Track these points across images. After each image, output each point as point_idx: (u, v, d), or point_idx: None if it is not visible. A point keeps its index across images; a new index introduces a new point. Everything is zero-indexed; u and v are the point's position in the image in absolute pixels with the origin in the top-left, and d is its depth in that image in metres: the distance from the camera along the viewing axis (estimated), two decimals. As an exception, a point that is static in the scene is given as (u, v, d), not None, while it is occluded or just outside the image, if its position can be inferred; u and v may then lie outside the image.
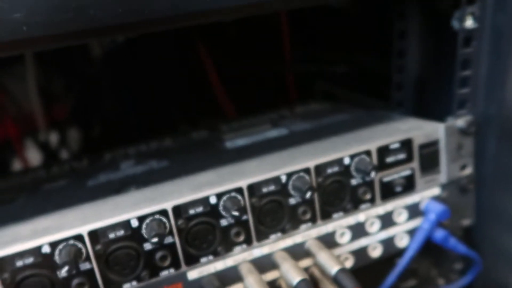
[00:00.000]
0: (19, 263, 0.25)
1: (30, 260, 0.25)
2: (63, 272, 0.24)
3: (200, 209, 0.28)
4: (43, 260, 0.25)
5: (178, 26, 0.25)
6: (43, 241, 0.25)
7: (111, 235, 0.27)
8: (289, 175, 0.30)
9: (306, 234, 0.32)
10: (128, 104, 0.78)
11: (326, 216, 0.32)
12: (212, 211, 0.29)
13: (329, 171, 0.31)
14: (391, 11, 0.41)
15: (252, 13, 0.26)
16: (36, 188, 0.36)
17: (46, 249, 0.25)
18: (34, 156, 0.73)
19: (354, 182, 0.32)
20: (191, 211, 0.28)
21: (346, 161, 0.32)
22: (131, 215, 0.27)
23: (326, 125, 0.41)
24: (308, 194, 0.30)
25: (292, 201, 0.31)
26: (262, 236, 0.30)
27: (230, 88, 0.70)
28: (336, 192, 0.32)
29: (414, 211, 0.35)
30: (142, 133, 0.82)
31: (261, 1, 0.25)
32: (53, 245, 0.25)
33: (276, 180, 0.30)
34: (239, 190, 0.29)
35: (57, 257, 0.26)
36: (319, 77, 0.68)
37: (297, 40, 0.66)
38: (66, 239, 0.26)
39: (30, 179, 0.40)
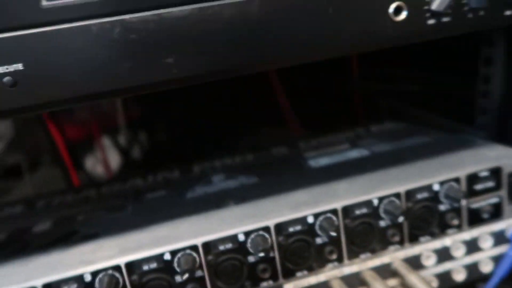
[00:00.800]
0: (145, 267, 0.29)
1: (154, 265, 0.29)
2: (183, 278, 0.28)
3: (298, 227, 0.31)
4: (164, 266, 0.29)
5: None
6: (165, 249, 0.29)
7: (221, 247, 0.30)
8: (381, 199, 0.32)
9: (394, 256, 0.33)
10: (195, 112, 0.82)
11: (414, 239, 0.33)
12: (309, 230, 0.31)
13: (419, 196, 0.33)
14: (478, 37, 0.41)
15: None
16: (139, 197, 0.41)
17: (167, 257, 0.29)
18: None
19: (442, 207, 0.33)
20: (291, 229, 0.31)
21: (436, 187, 0.33)
22: (238, 230, 0.30)
23: (407, 147, 0.42)
24: (400, 219, 0.31)
25: (382, 223, 0.32)
26: (352, 255, 0.32)
27: (295, 101, 0.73)
28: (424, 217, 0.33)
29: (500, 238, 0.35)
30: (208, 141, 0.87)
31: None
32: (173, 253, 0.29)
33: (368, 203, 0.32)
34: (334, 212, 0.31)
35: (175, 264, 0.29)
36: (385, 94, 0.68)
37: (365, 57, 0.67)
38: (183, 249, 0.29)
39: (129, 187, 0.44)
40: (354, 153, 0.42)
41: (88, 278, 0.28)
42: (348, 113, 0.70)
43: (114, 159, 0.81)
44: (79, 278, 0.28)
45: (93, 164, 1.03)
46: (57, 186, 0.76)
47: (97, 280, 0.28)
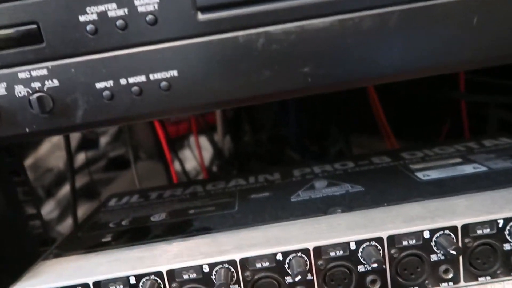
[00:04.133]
0: (258, 265, 0.30)
1: (266, 264, 0.30)
2: (295, 279, 0.29)
3: (412, 241, 0.30)
4: (276, 266, 0.30)
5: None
6: (277, 250, 0.30)
7: (332, 254, 0.30)
8: (506, 220, 0.30)
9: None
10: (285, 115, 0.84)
11: (542, 267, 0.31)
12: (424, 246, 0.30)
13: (551, 221, 0.30)
14: None
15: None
16: (245, 196, 0.42)
17: (279, 257, 0.30)
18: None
19: None
20: (405, 243, 0.30)
21: None
22: (350, 238, 0.30)
23: (531, 166, 0.38)
24: (530, 243, 0.29)
25: (507, 246, 0.30)
26: (470, 277, 0.31)
27: (392, 112, 0.70)
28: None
29: None
30: (301, 145, 0.87)
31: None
32: (285, 254, 0.30)
33: (492, 223, 0.30)
34: (453, 229, 0.30)
35: (287, 265, 0.30)
36: (494, 106, 0.63)
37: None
38: (295, 251, 0.30)
39: (234, 186, 0.47)
40: (469, 168, 0.40)
41: (206, 269, 0.30)
42: (454, 126, 0.66)
43: (207, 157, 0.85)
44: (198, 268, 0.30)
45: (185, 161, 1.09)
46: (158, 178, 0.82)
47: (214, 271, 0.30)
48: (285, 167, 0.50)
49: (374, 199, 0.36)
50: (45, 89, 0.23)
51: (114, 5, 0.22)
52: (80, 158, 1.07)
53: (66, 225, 0.89)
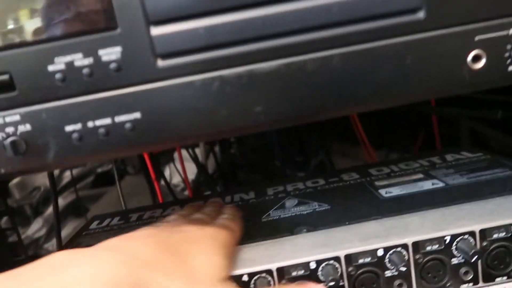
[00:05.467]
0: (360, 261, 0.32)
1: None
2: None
3: (368, 259, 0.32)
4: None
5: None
6: (242, 272, 0.32)
7: (294, 273, 0.32)
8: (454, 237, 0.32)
9: (467, 294, 0.33)
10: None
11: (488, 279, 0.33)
12: (379, 263, 0.32)
13: (495, 236, 0.32)
14: None
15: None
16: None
17: (245, 278, 0.32)
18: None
19: (521, 249, 0.33)
20: (360, 260, 0.32)
21: (514, 228, 0.32)
22: (310, 258, 0.32)
23: (486, 180, 0.41)
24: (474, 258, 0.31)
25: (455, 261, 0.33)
26: (423, 290, 0.33)
27: (368, 121, 0.73)
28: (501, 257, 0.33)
29: None
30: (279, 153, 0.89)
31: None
32: (250, 275, 0.32)
33: (440, 240, 0.32)
34: (404, 246, 0.32)
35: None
36: (465, 119, 0.66)
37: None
38: (259, 272, 0.32)
39: (210, 206, 0.49)
40: (428, 184, 0.42)
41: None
42: (428, 136, 0.69)
43: (190, 171, 0.87)
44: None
45: (169, 176, 1.11)
46: (144, 194, 0.84)
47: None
48: (260, 186, 0.52)
49: (338, 218, 0.38)
50: (18, 133, 0.25)
51: (80, 55, 0.24)
52: (68, 174, 1.08)
53: (55, 243, 0.90)
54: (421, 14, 0.25)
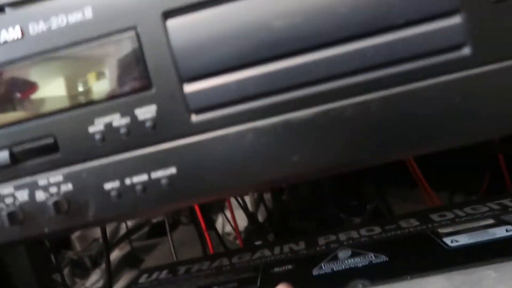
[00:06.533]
0: None
1: None
2: None
3: (435, 322, 0.28)
4: None
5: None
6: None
7: (349, 338, 0.29)
8: (538, 296, 0.27)
9: None
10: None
11: None
12: (449, 327, 0.28)
13: None
14: None
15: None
16: (269, 271, 0.42)
17: None
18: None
19: None
20: (426, 324, 0.28)
21: None
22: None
23: None
24: None
25: (543, 325, 0.27)
26: None
27: (426, 162, 0.68)
28: None
29: None
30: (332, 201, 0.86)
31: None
32: None
33: (522, 300, 0.28)
34: (478, 307, 0.28)
35: None
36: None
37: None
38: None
39: (258, 258, 0.47)
40: (501, 231, 0.38)
41: None
42: (494, 178, 0.63)
43: (241, 222, 0.85)
44: None
45: (222, 224, 1.10)
46: (196, 245, 0.83)
47: None
48: (311, 235, 0.49)
49: (397, 271, 0.34)
50: (61, 193, 0.25)
51: (118, 116, 0.25)
52: (124, 226, 1.12)
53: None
54: (466, 50, 0.23)
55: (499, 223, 0.40)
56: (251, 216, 0.74)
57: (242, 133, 0.24)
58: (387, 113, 0.23)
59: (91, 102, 0.25)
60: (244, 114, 0.24)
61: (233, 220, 0.75)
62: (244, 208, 0.73)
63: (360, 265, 0.38)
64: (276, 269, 0.42)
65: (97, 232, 0.98)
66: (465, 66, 0.22)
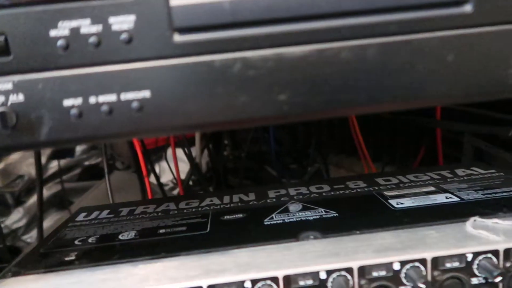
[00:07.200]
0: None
1: (239, 292, 0.29)
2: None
3: (383, 273, 0.30)
4: (245, 294, 0.29)
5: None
6: (246, 277, 0.29)
7: (301, 283, 0.29)
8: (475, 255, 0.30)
9: (485, 317, 0.31)
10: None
11: (509, 302, 0.31)
12: (394, 277, 0.30)
13: (519, 257, 0.30)
14: None
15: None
16: (219, 217, 0.42)
17: (248, 285, 0.29)
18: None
19: (545, 272, 0.31)
20: (374, 274, 0.30)
21: (541, 249, 0.30)
22: (320, 268, 0.29)
23: (502, 198, 0.39)
24: (497, 279, 0.29)
25: (474, 281, 0.30)
26: (438, 310, 0.30)
27: (369, 134, 0.71)
28: (523, 280, 0.30)
29: None
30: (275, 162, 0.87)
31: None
32: (254, 282, 0.29)
33: (462, 257, 0.30)
34: (423, 261, 0.30)
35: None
36: (470, 136, 0.64)
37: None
38: (264, 279, 0.29)
39: (207, 205, 0.46)
40: (441, 198, 0.40)
41: (172, 295, 0.29)
42: (429, 152, 0.67)
43: (185, 170, 0.84)
44: (164, 294, 0.29)
45: (159, 174, 1.07)
46: (133, 191, 0.80)
47: (179, 298, 0.29)
48: (261, 187, 0.49)
49: (347, 226, 0.36)
50: (8, 104, 0.22)
51: (87, 21, 0.21)
52: (54, 165, 1.04)
53: (34, 235, 0.85)
54: (468, 8, 0.23)
55: (440, 190, 0.42)
56: (196, 166, 0.72)
57: (229, 63, 0.22)
58: (382, 60, 0.22)
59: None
60: (234, 42, 0.22)
61: (176, 168, 0.73)
62: (189, 157, 0.71)
63: (311, 218, 0.39)
64: (226, 217, 0.41)
65: (22, 168, 0.90)
66: (464, 24, 0.22)
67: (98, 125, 0.22)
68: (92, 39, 0.22)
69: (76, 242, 0.39)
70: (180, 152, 0.80)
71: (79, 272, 0.32)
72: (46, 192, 0.97)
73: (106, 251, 0.36)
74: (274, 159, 0.84)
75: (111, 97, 0.22)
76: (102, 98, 0.22)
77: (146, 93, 0.22)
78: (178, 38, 0.22)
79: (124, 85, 0.22)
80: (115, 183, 0.99)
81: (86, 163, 1.19)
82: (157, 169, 1.08)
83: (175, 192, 0.96)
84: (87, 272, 0.32)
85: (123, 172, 1.08)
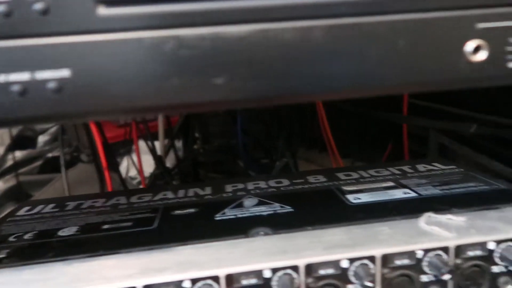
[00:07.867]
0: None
1: (171, 292, 0.27)
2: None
3: (330, 270, 0.28)
4: (182, 294, 0.27)
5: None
6: (185, 277, 0.27)
7: (244, 282, 0.28)
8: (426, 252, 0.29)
9: (435, 316, 0.30)
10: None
11: (459, 301, 0.30)
12: (342, 276, 0.28)
13: (470, 253, 0.29)
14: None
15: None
16: (169, 212, 0.39)
17: (187, 284, 0.27)
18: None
19: (496, 269, 0.30)
20: (322, 272, 0.28)
21: (491, 246, 0.30)
22: (264, 266, 0.28)
23: (459, 194, 0.38)
24: (446, 276, 0.28)
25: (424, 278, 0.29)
26: (388, 309, 0.29)
27: (337, 127, 0.70)
28: (474, 277, 0.30)
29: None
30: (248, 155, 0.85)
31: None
32: (194, 281, 0.27)
33: (412, 254, 0.29)
34: (371, 259, 0.28)
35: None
36: (436, 132, 0.65)
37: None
38: (204, 278, 0.27)
39: (159, 199, 0.43)
40: (399, 193, 0.39)
41: (103, 296, 0.27)
42: (397, 147, 0.67)
43: (148, 168, 0.81)
44: (95, 295, 0.27)
45: (126, 167, 1.04)
46: (94, 184, 0.77)
47: (112, 299, 0.27)
48: (217, 181, 0.47)
49: (301, 222, 0.34)
50: None
51: (-6, -13, 0.19)
52: (15, 156, 0.99)
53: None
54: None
55: (398, 186, 0.42)
56: (159, 159, 0.69)
57: (160, 41, 0.20)
58: (327, 44, 0.21)
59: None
60: (167, 18, 0.20)
61: (138, 161, 0.70)
62: (152, 150, 0.69)
63: (265, 213, 0.37)
64: (177, 212, 0.39)
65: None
66: (415, 8, 0.21)
67: (8, 107, 0.20)
68: (1, 8, 0.19)
69: (11, 238, 0.36)
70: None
71: (6, 272, 0.29)
72: (2, 185, 0.92)
73: (41, 248, 0.33)
74: (242, 151, 0.83)
75: (24, 76, 0.20)
76: (13, 77, 0.20)
77: (65, 72, 0.20)
78: (103, 11, 0.20)
79: (39, 63, 0.20)
80: (78, 176, 0.95)
81: (49, 155, 1.14)
82: (125, 162, 1.05)
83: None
84: (14, 271, 0.29)
85: (88, 165, 1.04)
